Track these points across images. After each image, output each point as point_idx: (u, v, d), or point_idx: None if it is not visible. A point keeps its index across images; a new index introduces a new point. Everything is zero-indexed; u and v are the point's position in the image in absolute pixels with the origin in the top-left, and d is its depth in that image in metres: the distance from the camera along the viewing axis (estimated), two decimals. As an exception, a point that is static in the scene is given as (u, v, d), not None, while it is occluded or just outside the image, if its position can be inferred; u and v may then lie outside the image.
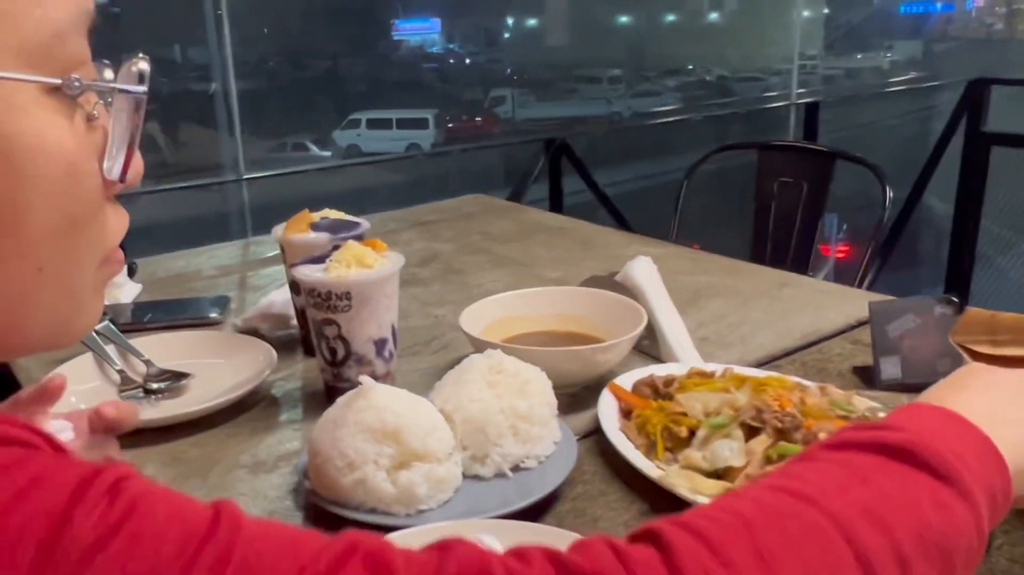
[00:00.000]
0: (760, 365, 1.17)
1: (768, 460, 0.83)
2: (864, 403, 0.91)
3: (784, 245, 2.40)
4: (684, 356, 1.15)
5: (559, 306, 1.22)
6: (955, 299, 1.08)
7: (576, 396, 1.09)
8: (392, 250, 1.08)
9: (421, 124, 14.30)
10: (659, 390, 1.00)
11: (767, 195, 2.45)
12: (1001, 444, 0.56)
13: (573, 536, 0.76)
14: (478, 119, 15.16)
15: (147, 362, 1.16)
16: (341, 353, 1.03)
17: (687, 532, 0.48)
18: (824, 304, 1.38)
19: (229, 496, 0.90)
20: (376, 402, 0.83)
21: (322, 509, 0.83)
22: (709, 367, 1.05)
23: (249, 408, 1.09)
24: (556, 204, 2.87)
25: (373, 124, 14.18)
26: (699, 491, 0.81)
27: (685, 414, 0.92)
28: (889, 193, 2.16)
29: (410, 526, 0.77)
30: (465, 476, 0.87)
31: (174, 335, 1.25)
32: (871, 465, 0.53)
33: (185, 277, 1.66)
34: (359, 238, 1.21)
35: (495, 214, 2.05)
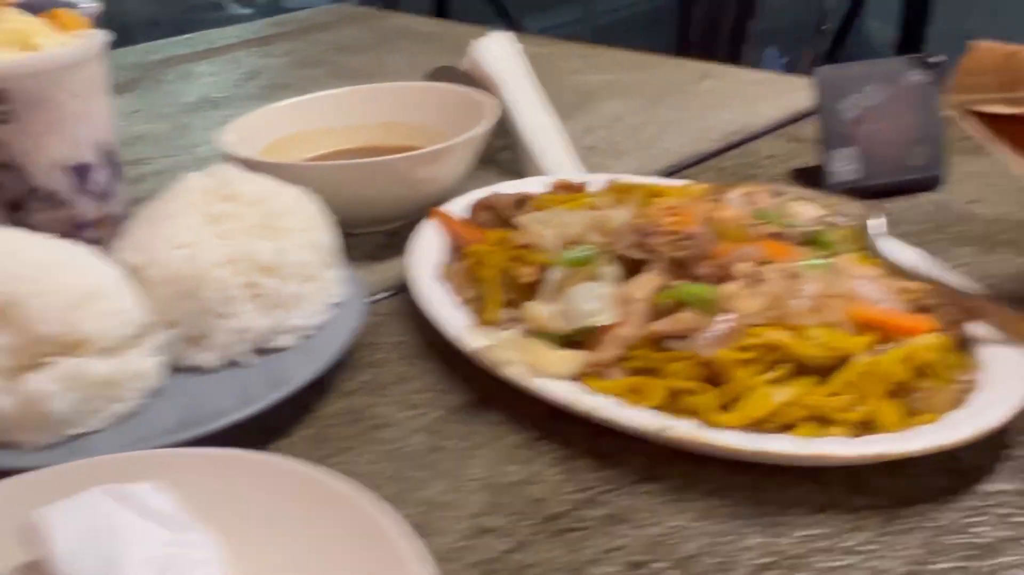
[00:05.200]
0: (664, 175, 0.84)
1: (657, 311, 0.50)
2: (813, 210, 0.58)
3: (712, 40, 2.03)
4: (555, 167, 0.80)
5: (385, 111, 0.86)
6: (935, 59, 0.74)
7: (398, 235, 0.75)
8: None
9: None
10: (504, 215, 0.66)
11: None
12: None
13: (310, 475, 0.44)
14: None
15: None
16: (15, 189, 0.66)
17: None
18: (755, 96, 1.04)
19: None
20: (-27, 258, 0.47)
21: (-90, 444, 0.49)
22: (595, 182, 0.71)
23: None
24: (443, 10, 2.41)
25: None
26: (544, 369, 0.49)
27: (531, 246, 0.58)
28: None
29: (47, 464, 0.44)
30: (179, 369, 0.54)
31: None
32: None
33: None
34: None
35: (351, 23, 1.64)
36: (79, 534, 0.38)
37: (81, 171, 0.68)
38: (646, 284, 0.51)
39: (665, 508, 0.43)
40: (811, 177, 0.79)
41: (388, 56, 1.37)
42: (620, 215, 0.57)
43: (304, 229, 0.57)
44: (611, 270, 0.53)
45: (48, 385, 0.46)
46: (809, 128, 0.92)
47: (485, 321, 0.56)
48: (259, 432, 0.50)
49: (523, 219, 0.59)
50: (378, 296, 0.65)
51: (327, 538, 0.39)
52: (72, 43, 0.66)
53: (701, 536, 0.42)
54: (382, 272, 0.69)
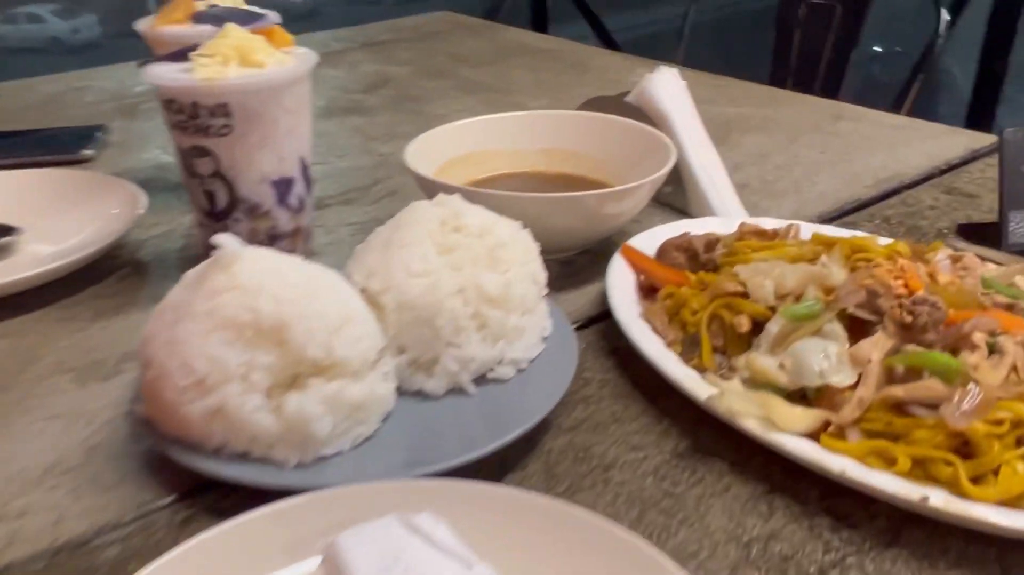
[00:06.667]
0: (826, 221, 0.84)
1: (890, 375, 0.51)
2: (1031, 282, 0.59)
3: (807, 85, 2.03)
4: (725, 210, 0.81)
5: (547, 138, 0.87)
6: (1126, 127, 0.74)
7: (571, 266, 0.76)
8: (305, 49, 0.72)
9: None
10: (698, 256, 0.67)
11: (790, 20, 2.05)
12: None
13: (580, 516, 0.45)
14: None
15: (-40, 212, 0.81)
16: (223, 200, 0.69)
17: None
18: (897, 141, 1.04)
19: (33, 415, 0.58)
20: (245, 278, 0.49)
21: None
22: (766, 224, 0.72)
23: (100, 279, 0.75)
24: (540, 27, 2.42)
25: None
26: (779, 424, 0.50)
27: (745, 293, 0.59)
28: (944, 17, 1.79)
29: (302, 487, 0.46)
30: (402, 392, 0.55)
31: (11, 175, 0.89)
32: None
33: (59, 105, 1.28)
34: (260, 34, 0.84)
35: (466, 34, 1.66)
36: (377, 560, 0.39)
37: (284, 184, 0.70)
38: (879, 345, 0.52)
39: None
40: (980, 233, 0.79)
41: (511, 71, 1.39)
42: (838, 272, 0.58)
43: (524, 262, 0.59)
44: (837, 328, 0.54)
45: (314, 407, 0.48)
46: (961, 180, 0.93)
47: (697, 367, 0.57)
48: (489, 460, 0.51)
49: (740, 268, 0.60)
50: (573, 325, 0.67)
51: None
52: (287, 61, 0.68)
53: (961, 607, 0.42)
54: (565, 303, 0.70)
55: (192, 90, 0.64)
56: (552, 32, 2.24)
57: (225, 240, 0.49)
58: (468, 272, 0.56)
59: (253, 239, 0.70)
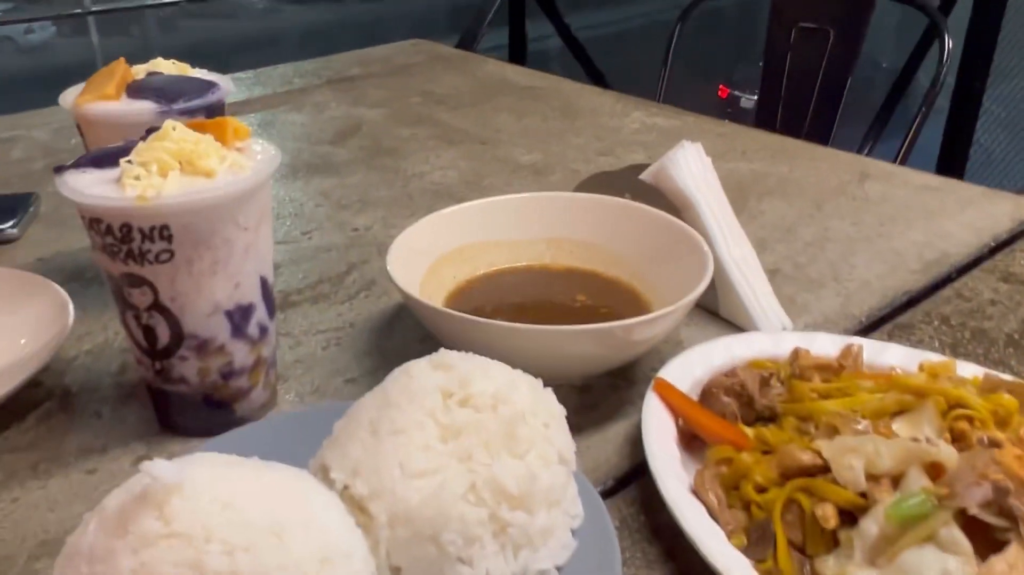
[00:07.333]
0: (877, 323, 0.73)
1: (1035, 609, 0.39)
2: None
3: (798, 114, 1.92)
4: (766, 320, 0.69)
5: (553, 226, 0.75)
6: None
7: (589, 394, 0.64)
8: (265, 138, 0.58)
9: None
10: (754, 403, 0.55)
11: (780, 47, 1.95)
12: None
13: None
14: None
15: None
16: (165, 336, 0.55)
17: None
18: (933, 209, 0.93)
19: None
20: (185, 522, 0.36)
21: None
22: (820, 343, 0.61)
23: (12, 421, 0.62)
24: (518, 54, 2.29)
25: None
26: None
27: (824, 467, 0.47)
28: (948, 44, 1.69)
29: None
30: (398, 622, 0.42)
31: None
32: None
33: (-16, 161, 1.13)
34: (211, 112, 0.70)
35: (442, 67, 1.53)
36: None
37: (241, 313, 0.57)
38: (1018, 566, 0.40)
39: None
40: (1058, 341, 0.68)
41: (494, 115, 1.26)
42: (947, 450, 0.46)
43: (548, 438, 0.46)
44: (956, 534, 0.42)
45: None
46: (1022, 262, 0.82)
47: (770, 572, 0.45)
48: None
49: (824, 445, 0.48)
50: (599, 488, 0.54)
51: None
52: (243, 165, 0.54)
53: None
54: (587, 453, 0.58)
55: (123, 211, 0.50)
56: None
57: (156, 469, 0.36)
58: (480, 461, 0.43)
59: (204, 379, 0.57)
